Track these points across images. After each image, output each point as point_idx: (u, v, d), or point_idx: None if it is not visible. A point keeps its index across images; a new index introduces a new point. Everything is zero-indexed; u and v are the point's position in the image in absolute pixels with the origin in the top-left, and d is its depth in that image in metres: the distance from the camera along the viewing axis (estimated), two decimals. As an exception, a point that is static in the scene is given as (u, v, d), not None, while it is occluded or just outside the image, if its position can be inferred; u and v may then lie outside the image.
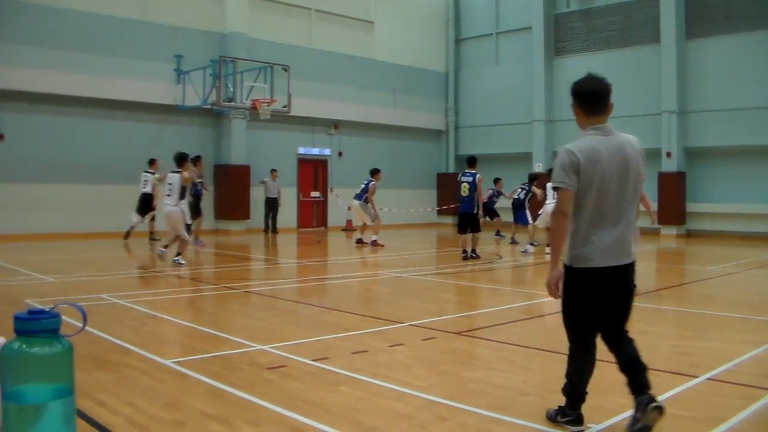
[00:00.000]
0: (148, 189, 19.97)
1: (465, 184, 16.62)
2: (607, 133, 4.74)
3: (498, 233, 22.96)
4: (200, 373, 6.04)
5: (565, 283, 4.65)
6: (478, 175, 16.61)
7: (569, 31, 28.91)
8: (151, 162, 20.55)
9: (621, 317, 4.76)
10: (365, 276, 13.63)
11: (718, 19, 25.09)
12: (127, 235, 20.03)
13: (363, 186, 19.90)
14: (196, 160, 18.59)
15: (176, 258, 14.60)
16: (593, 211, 4.49)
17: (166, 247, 14.70)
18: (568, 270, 4.65)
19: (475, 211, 16.58)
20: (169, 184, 14.63)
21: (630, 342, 4.82)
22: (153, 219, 20.49)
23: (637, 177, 4.62)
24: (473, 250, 16.63)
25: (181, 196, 14.65)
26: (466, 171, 16.86)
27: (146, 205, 20.07)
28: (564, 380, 4.88)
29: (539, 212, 18.79)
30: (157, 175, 19.99)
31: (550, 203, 17.05)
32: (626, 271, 4.66)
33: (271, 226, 24.83)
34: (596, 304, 4.62)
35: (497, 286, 12.45)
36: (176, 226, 14.53)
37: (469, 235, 16.64)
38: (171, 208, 14.48)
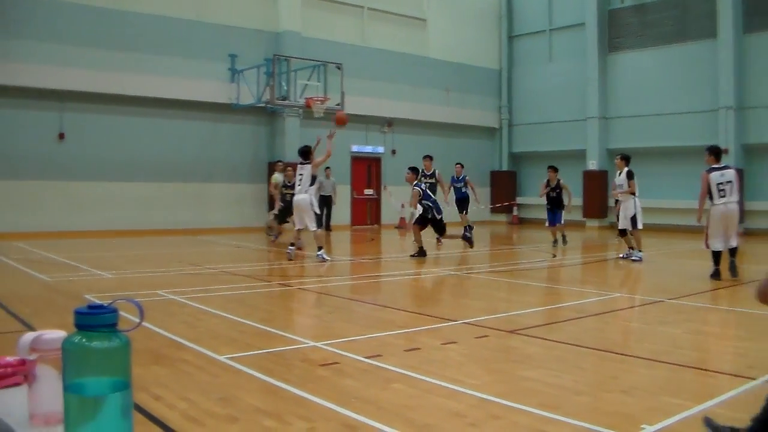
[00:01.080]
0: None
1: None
2: None
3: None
4: (254, 369, 6.10)
5: None
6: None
7: (623, 26, 28.56)
8: (275, 164, 21.53)
9: None
10: (419, 273, 13.64)
11: (777, 12, 24.60)
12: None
13: None
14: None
15: (319, 253, 15.37)
16: None
17: (292, 245, 15.68)
18: None
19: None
20: (300, 174, 15.48)
21: None
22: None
23: None
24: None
25: (311, 183, 15.42)
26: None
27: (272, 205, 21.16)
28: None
29: (617, 212, 16.53)
30: (275, 175, 20.68)
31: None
32: None
33: (325, 224, 24.96)
34: None
35: (550, 285, 12.37)
36: (304, 214, 15.32)
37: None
38: (301, 195, 15.33)
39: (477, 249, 17.91)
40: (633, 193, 15.91)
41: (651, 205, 26.98)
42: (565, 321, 8.72)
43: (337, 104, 22.72)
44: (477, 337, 7.61)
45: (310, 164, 15.45)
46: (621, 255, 16.32)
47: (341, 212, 26.61)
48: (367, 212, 28.63)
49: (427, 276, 13.19)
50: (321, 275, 13.59)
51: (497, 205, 31.15)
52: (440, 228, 16.49)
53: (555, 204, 19.58)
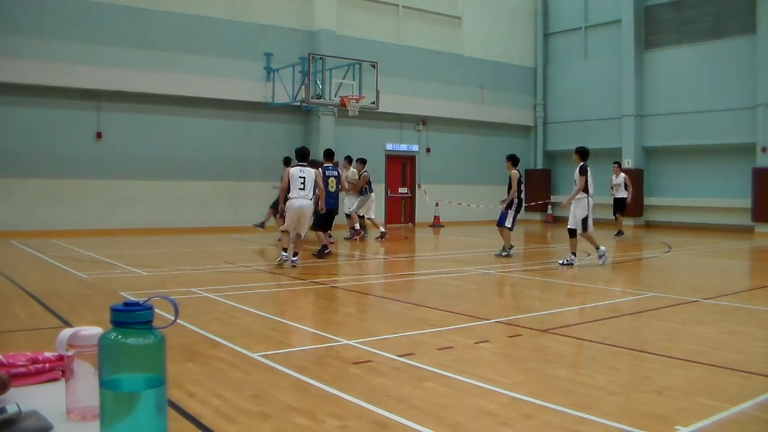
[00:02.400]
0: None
1: (332, 179, 16.56)
2: None
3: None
4: (287, 367, 6.14)
5: None
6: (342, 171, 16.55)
7: (660, 23, 28.26)
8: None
9: None
10: (452, 272, 13.62)
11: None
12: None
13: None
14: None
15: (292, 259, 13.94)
16: None
17: (296, 255, 14.05)
18: None
19: (334, 208, 16.56)
20: (302, 177, 13.85)
21: None
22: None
23: None
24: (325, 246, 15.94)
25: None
26: (328, 165, 16.58)
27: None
28: None
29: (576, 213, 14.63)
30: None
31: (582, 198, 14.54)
32: None
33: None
34: None
35: (584, 284, 12.30)
36: (305, 221, 13.99)
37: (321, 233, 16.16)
38: (306, 201, 13.81)
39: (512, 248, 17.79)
40: (586, 192, 14.49)
41: (687, 204, 26.86)
42: (598, 320, 8.68)
43: (372, 102, 22.72)
44: (510, 336, 7.61)
45: (312, 169, 14.21)
46: (561, 261, 14.58)
47: (375, 210, 26.59)
48: (401, 210, 28.63)
49: (460, 275, 13.17)
50: (355, 273, 13.62)
51: (532, 204, 30.98)
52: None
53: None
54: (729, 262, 16.65)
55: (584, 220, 14.44)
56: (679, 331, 7.88)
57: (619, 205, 22.85)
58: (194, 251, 17.19)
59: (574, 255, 14.55)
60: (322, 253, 15.68)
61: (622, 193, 22.67)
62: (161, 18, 22.05)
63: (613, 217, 23.23)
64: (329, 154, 17.21)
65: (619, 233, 22.39)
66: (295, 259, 13.88)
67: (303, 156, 14.46)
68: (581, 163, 14.70)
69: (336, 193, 16.69)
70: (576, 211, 14.57)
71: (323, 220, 16.04)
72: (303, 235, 14.22)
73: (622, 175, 22.88)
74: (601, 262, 14.44)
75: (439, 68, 28.70)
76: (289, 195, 13.91)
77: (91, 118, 21.20)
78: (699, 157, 26.83)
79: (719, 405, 5.10)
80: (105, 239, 19.39)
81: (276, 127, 24.77)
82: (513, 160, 16.43)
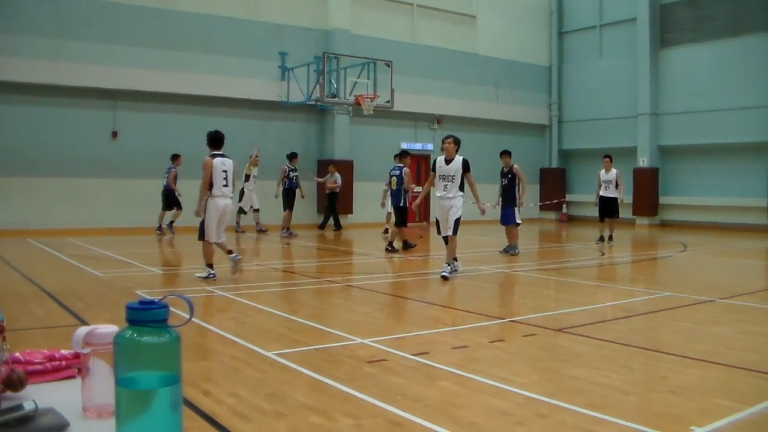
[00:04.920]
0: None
1: (393, 178, 17.42)
2: None
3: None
4: (301, 365, 6.15)
5: None
6: (405, 168, 17.37)
7: (676, 21, 28.11)
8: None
9: None
10: (466, 271, 13.58)
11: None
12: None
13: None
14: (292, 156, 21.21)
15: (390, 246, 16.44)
16: None
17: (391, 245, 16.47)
18: None
19: (401, 204, 17.23)
20: (225, 171, 11.76)
21: None
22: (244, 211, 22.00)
23: None
24: (391, 243, 16.94)
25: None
26: (395, 165, 17.74)
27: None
28: None
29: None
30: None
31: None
32: None
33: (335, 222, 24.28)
34: None
35: (600, 283, 12.26)
36: (225, 224, 12.16)
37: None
38: (230, 200, 12.10)
39: (526, 246, 17.73)
40: (462, 190, 12.82)
41: (703, 203, 26.73)
42: (613, 320, 8.65)
43: (387, 101, 22.70)
44: (525, 336, 7.59)
45: (232, 161, 12.10)
46: (445, 272, 12.27)
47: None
48: (416, 209, 28.59)
49: (475, 274, 13.13)
50: (368, 272, 13.62)
51: (546, 203, 30.94)
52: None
53: (504, 197, 16.72)
54: (745, 261, 16.55)
55: (458, 222, 12.51)
56: (694, 331, 7.85)
57: (610, 207, 19.48)
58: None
59: (456, 260, 12.90)
60: (409, 246, 17.29)
61: (613, 192, 19.53)
62: (176, 18, 22.14)
63: (600, 220, 19.81)
64: (402, 154, 18.30)
65: (604, 239, 19.62)
66: (236, 254, 11.93)
67: (219, 141, 12.14)
68: (461, 157, 13.12)
69: (398, 190, 17.36)
70: (449, 213, 12.68)
71: (399, 217, 17.23)
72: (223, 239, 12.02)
73: (614, 171, 19.77)
74: (446, 272, 12.26)
75: (453, 67, 28.66)
76: (212, 192, 11.61)
77: (106, 118, 21.30)
78: (715, 156, 26.69)
79: (735, 405, 5.07)
80: (120, 238, 19.47)
81: (291, 126, 24.82)
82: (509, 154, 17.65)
